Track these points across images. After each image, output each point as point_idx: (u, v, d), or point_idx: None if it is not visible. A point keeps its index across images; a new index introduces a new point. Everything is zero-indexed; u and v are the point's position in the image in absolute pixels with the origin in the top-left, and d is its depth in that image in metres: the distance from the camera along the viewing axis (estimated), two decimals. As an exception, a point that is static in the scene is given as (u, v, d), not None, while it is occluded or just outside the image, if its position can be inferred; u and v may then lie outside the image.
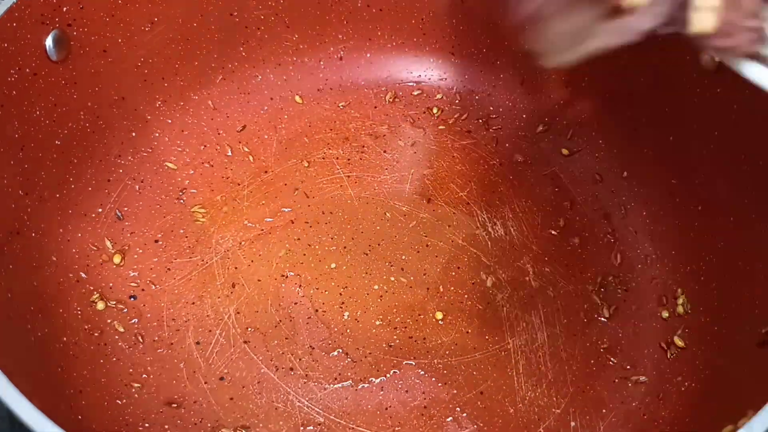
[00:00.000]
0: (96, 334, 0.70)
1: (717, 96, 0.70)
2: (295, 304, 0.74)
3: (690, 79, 0.72)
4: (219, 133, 0.85)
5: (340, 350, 0.71)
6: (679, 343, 0.70)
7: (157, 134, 0.82)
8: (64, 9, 0.67)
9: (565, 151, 0.85)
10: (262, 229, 0.79)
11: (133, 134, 0.80)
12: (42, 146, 0.69)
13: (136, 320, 0.72)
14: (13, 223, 0.66)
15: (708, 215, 0.73)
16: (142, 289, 0.73)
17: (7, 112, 0.64)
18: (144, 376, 0.69)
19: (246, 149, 0.85)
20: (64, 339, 0.67)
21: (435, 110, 0.89)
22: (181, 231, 0.78)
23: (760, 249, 0.65)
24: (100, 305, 0.71)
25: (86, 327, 0.70)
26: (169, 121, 0.83)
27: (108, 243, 0.75)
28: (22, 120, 0.66)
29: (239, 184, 0.82)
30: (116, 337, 0.70)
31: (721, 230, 0.71)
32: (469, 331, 0.73)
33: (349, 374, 0.70)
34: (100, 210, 0.76)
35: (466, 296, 0.75)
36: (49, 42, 0.67)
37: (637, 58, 0.77)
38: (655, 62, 0.76)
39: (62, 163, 0.72)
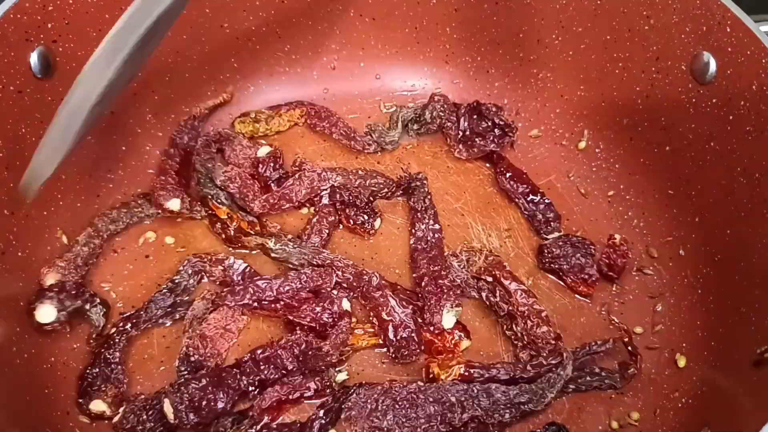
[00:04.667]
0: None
1: (712, 106, 0.69)
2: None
3: (685, 88, 0.71)
4: (211, 145, 0.84)
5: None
6: (678, 357, 0.69)
7: (147, 147, 0.82)
8: (49, 25, 0.67)
9: (561, 159, 0.84)
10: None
11: (123, 148, 0.80)
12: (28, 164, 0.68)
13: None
14: (-1, 243, 0.65)
15: (704, 228, 0.72)
16: (132, 306, 0.72)
17: (-9, 130, 0.64)
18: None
19: (237, 162, 0.84)
20: (52, 359, 0.66)
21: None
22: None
23: (756, 264, 0.64)
24: None
25: (75, 347, 0.69)
26: (160, 134, 0.83)
27: (98, 258, 0.75)
28: (6, 138, 0.65)
29: (231, 198, 0.81)
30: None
31: (717, 243, 0.70)
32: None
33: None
34: (89, 226, 0.76)
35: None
36: (34, 59, 0.66)
37: (632, 67, 0.76)
38: (650, 71, 0.74)
39: (49, 179, 0.70)
